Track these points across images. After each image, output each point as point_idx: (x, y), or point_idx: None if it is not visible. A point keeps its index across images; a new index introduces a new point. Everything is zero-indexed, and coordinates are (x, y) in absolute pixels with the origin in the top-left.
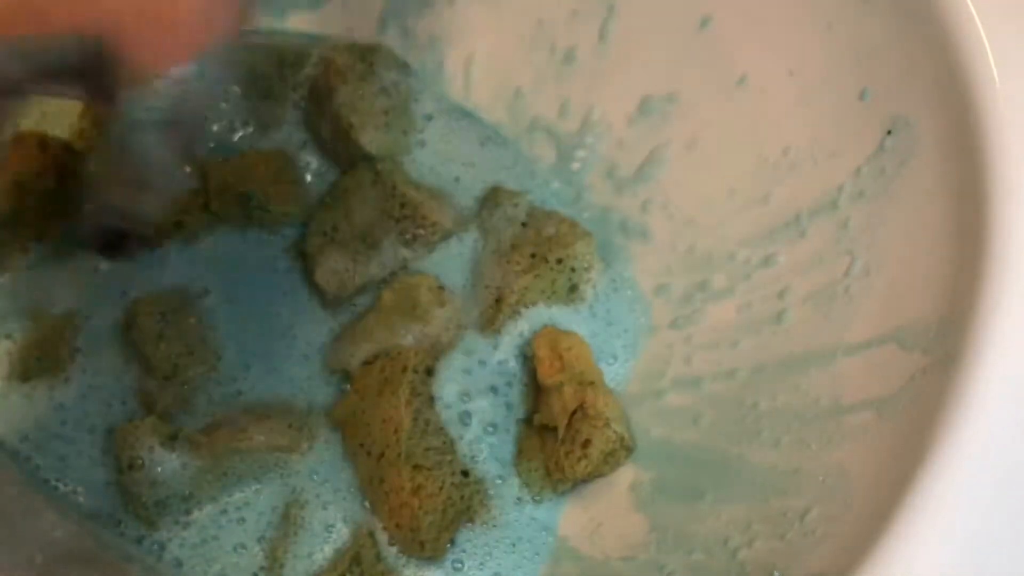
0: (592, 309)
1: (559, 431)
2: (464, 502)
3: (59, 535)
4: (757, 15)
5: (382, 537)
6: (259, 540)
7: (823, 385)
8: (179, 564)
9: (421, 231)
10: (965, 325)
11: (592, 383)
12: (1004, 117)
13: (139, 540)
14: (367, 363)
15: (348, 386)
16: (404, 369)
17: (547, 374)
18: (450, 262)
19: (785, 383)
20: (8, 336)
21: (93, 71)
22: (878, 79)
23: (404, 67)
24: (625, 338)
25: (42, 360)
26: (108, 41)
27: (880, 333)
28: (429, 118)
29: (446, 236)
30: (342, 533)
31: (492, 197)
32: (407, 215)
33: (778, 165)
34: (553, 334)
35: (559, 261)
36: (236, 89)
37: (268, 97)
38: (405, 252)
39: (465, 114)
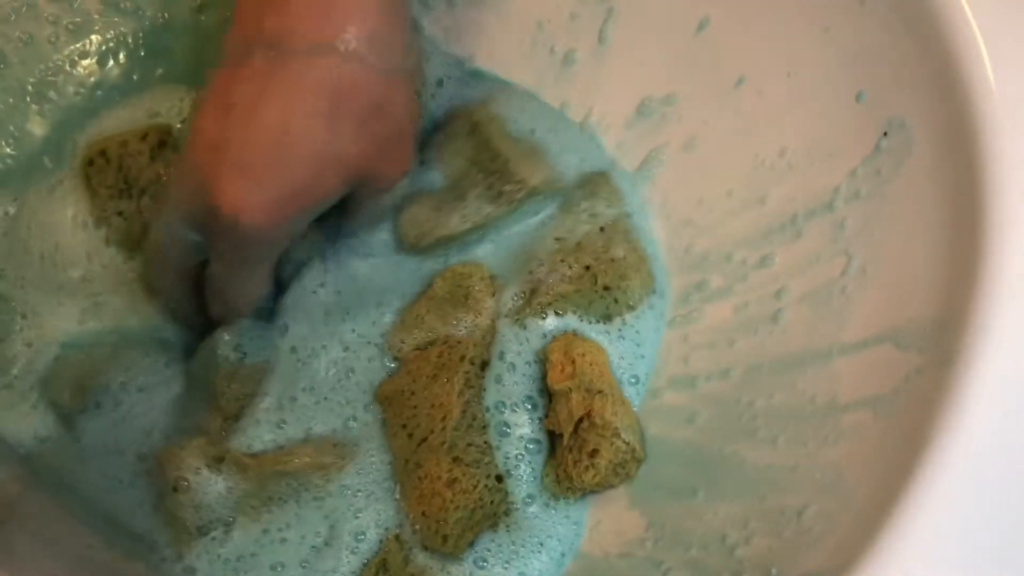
0: (620, 332)
1: (564, 438)
2: (492, 507)
3: (79, 544)
4: (755, 17)
5: (407, 535)
6: (300, 564)
7: (820, 384)
8: None
9: (508, 187)
10: (960, 325)
11: (601, 392)
12: (999, 118)
13: (164, 560)
14: (419, 349)
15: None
16: (462, 359)
17: (557, 379)
18: (511, 239)
19: (782, 382)
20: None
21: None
22: (874, 81)
23: (415, 27)
24: (649, 358)
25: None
26: (360, 183)
27: (876, 333)
28: (440, 84)
29: (532, 195)
30: (372, 541)
31: (593, 183)
32: (497, 169)
33: (775, 166)
34: (569, 339)
35: (606, 288)
36: None
37: None
38: (489, 208)
39: (475, 73)
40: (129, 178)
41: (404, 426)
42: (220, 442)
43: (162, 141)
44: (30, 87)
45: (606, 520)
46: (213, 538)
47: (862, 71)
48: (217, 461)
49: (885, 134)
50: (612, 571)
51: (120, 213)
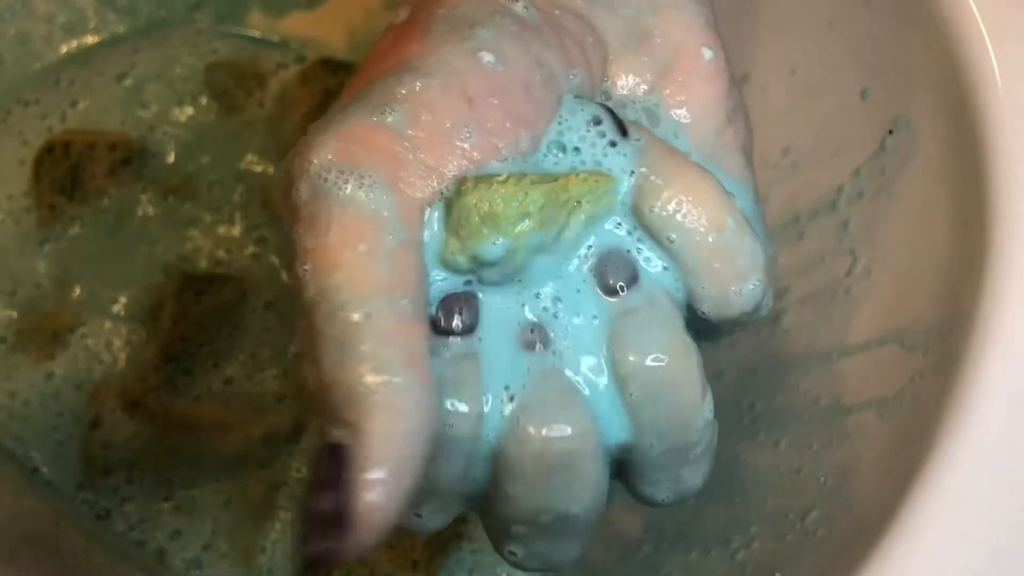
0: None
1: None
2: (458, 526)
3: (20, 510)
4: (759, 14)
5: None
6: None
7: (824, 386)
8: (141, 544)
9: None
10: (967, 326)
11: None
12: (1005, 117)
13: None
14: None
15: None
16: None
17: None
18: None
19: (784, 384)
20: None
21: None
22: (879, 78)
23: None
24: None
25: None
26: None
27: (881, 333)
28: None
29: None
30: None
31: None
32: None
33: (778, 165)
34: None
35: None
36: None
37: (234, 110)
38: None
39: None
40: (78, 180)
41: None
42: (154, 384)
43: (127, 159)
44: (25, 85)
45: (603, 522)
46: (117, 480)
47: (867, 68)
48: (133, 404)
49: (891, 132)
50: (609, 573)
51: (52, 207)
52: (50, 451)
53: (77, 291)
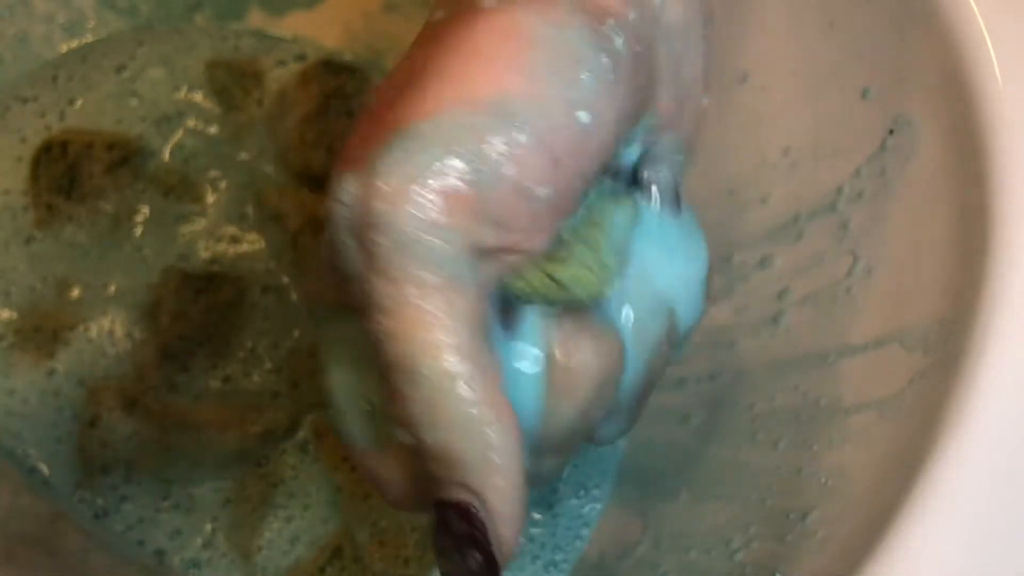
0: None
1: None
2: None
3: (17, 509)
4: (759, 13)
5: (364, 548)
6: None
7: (824, 386)
8: (140, 543)
9: None
10: (967, 325)
11: None
12: (1006, 116)
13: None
14: None
15: None
16: None
17: None
18: None
19: (784, 384)
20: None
21: None
22: (880, 78)
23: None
24: None
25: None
26: None
27: (882, 333)
28: None
29: None
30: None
31: None
32: None
33: (778, 165)
34: None
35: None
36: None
37: (232, 108)
38: None
39: None
40: (76, 179)
41: (345, 458)
42: (152, 383)
43: (125, 158)
44: (23, 82)
45: (602, 521)
46: (115, 480)
47: (868, 67)
48: (131, 404)
49: (891, 132)
50: (607, 572)
51: (50, 207)
52: (48, 450)
53: (75, 291)
